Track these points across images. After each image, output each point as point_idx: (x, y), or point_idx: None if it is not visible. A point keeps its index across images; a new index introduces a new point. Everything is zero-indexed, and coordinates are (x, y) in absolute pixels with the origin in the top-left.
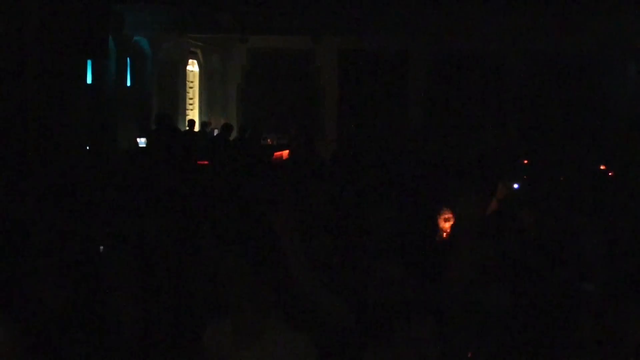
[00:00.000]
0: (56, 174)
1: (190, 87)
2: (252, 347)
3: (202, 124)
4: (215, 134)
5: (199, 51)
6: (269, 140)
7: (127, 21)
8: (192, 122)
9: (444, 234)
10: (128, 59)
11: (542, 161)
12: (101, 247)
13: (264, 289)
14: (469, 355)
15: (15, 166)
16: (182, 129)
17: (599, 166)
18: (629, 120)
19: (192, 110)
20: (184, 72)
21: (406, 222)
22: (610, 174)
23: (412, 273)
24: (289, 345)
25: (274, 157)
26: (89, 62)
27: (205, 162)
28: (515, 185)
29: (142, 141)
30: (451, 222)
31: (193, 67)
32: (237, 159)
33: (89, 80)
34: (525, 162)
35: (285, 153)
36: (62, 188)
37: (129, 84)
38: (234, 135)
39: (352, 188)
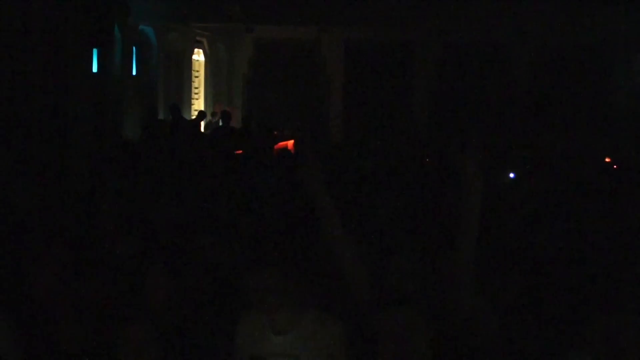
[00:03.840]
0: (61, 163)
1: (196, 77)
2: (286, 335)
3: (212, 114)
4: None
5: (204, 41)
6: (275, 132)
7: (133, 10)
8: (201, 113)
9: None
10: (134, 48)
11: (545, 152)
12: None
13: (298, 282)
14: None
15: (20, 155)
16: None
17: (604, 159)
18: (635, 112)
19: (197, 100)
20: (189, 62)
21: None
22: (615, 166)
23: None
24: (322, 335)
25: (278, 147)
26: (95, 51)
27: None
28: (511, 175)
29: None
30: None
31: (199, 56)
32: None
33: (94, 69)
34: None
35: (290, 143)
36: (67, 177)
37: (134, 73)
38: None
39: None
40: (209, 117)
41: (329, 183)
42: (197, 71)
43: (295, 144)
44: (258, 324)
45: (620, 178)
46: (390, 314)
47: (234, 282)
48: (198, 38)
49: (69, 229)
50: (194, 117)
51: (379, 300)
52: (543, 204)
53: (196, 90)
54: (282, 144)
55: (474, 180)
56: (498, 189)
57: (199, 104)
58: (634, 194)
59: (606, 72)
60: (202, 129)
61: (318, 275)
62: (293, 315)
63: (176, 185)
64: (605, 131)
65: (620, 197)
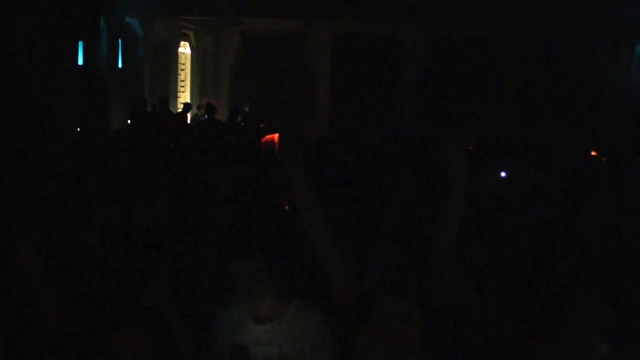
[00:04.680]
0: (48, 155)
1: (182, 70)
2: (268, 324)
3: (198, 107)
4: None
5: (191, 33)
6: (261, 125)
7: (118, 2)
8: (187, 106)
9: None
10: (120, 40)
11: (534, 148)
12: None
13: (281, 272)
14: None
15: (6, 148)
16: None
17: (591, 152)
18: (622, 106)
19: (183, 92)
20: (176, 54)
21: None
22: (602, 160)
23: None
24: (305, 324)
25: (264, 140)
26: (81, 44)
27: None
28: (503, 174)
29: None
30: None
31: (185, 49)
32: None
33: (80, 61)
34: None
35: (276, 136)
36: (53, 170)
37: (120, 65)
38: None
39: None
40: (194, 110)
41: (316, 176)
42: (184, 64)
43: (279, 138)
44: (238, 313)
45: (607, 171)
46: (383, 303)
47: (213, 271)
48: (184, 31)
49: (54, 223)
50: (180, 110)
51: (361, 291)
52: (534, 200)
53: (182, 83)
54: (268, 137)
55: (459, 171)
56: (489, 187)
57: (185, 96)
58: (621, 187)
59: (593, 66)
60: (188, 122)
61: (302, 264)
62: (275, 304)
63: (162, 178)
64: (592, 125)
65: (608, 190)
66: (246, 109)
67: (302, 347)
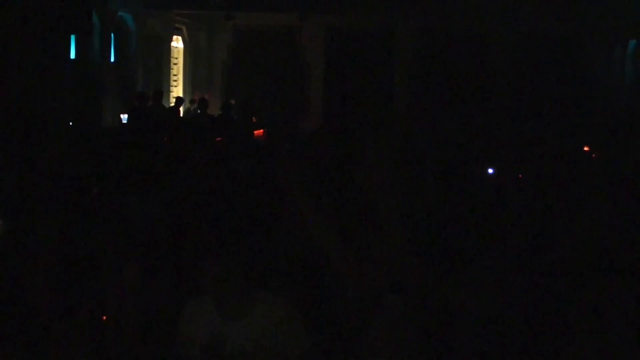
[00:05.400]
0: (39, 151)
1: (175, 64)
2: (240, 320)
3: (191, 102)
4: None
5: (184, 27)
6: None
7: None
8: (179, 100)
9: None
10: (112, 34)
11: (526, 143)
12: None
13: (249, 266)
14: None
15: None
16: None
17: (582, 147)
18: (615, 102)
19: (176, 87)
20: (168, 49)
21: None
22: (593, 155)
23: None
24: (277, 316)
25: (257, 133)
26: (73, 38)
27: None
28: (490, 170)
29: (125, 117)
30: None
31: (178, 43)
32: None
33: (72, 55)
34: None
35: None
36: (45, 166)
37: (112, 59)
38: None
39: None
40: (187, 105)
41: (308, 169)
42: (176, 58)
43: (265, 134)
44: (208, 312)
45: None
46: (382, 300)
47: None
48: (177, 25)
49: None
50: (172, 104)
51: (366, 288)
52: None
53: (175, 78)
54: (261, 130)
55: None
56: (477, 184)
57: (177, 91)
58: (612, 183)
59: (586, 61)
60: (181, 115)
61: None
62: (244, 300)
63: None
64: (585, 120)
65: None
66: (232, 102)
67: (276, 337)
